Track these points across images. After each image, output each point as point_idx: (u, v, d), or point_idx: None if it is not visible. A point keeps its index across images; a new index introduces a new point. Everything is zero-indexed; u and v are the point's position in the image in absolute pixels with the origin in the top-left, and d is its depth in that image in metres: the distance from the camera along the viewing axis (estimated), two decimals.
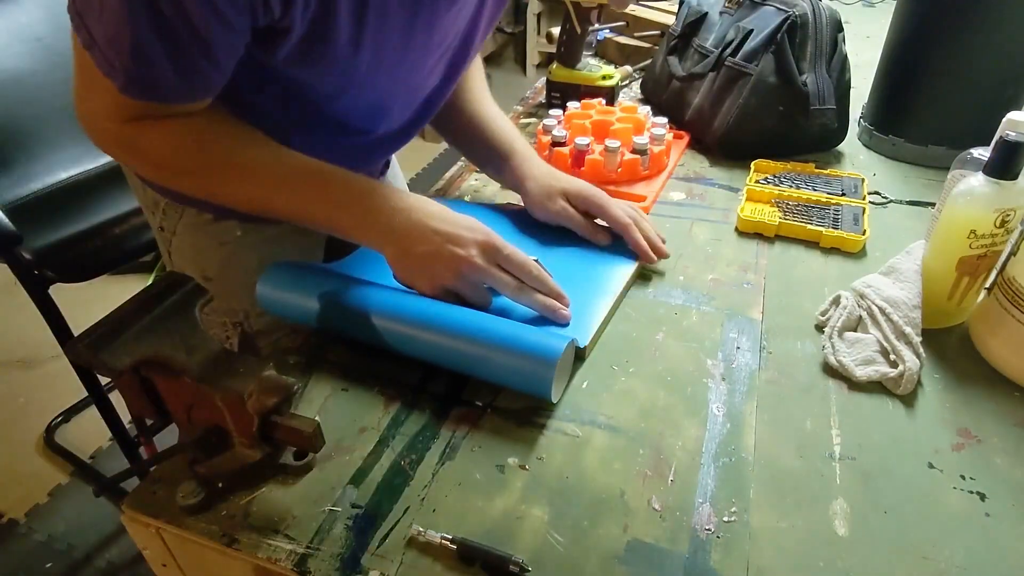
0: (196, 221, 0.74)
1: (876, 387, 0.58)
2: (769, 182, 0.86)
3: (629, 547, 0.45)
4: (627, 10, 1.37)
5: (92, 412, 1.43)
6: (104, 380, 1.33)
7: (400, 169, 1.00)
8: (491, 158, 0.79)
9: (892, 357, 0.57)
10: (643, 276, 0.72)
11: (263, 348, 0.73)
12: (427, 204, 0.61)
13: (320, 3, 0.52)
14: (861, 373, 0.58)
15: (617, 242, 0.73)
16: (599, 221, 0.74)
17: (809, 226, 0.77)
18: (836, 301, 0.64)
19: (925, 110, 0.93)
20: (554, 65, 1.11)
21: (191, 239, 0.76)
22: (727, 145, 0.94)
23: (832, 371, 0.59)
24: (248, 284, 0.68)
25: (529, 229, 0.76)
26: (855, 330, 0.62)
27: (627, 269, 0.70)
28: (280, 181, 0.60)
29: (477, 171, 0.93)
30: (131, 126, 0.58)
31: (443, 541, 0.44)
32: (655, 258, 0.71)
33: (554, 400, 0.55)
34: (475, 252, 0.58)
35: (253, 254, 0.75)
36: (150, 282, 1.92)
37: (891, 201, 0.86)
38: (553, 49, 1.11)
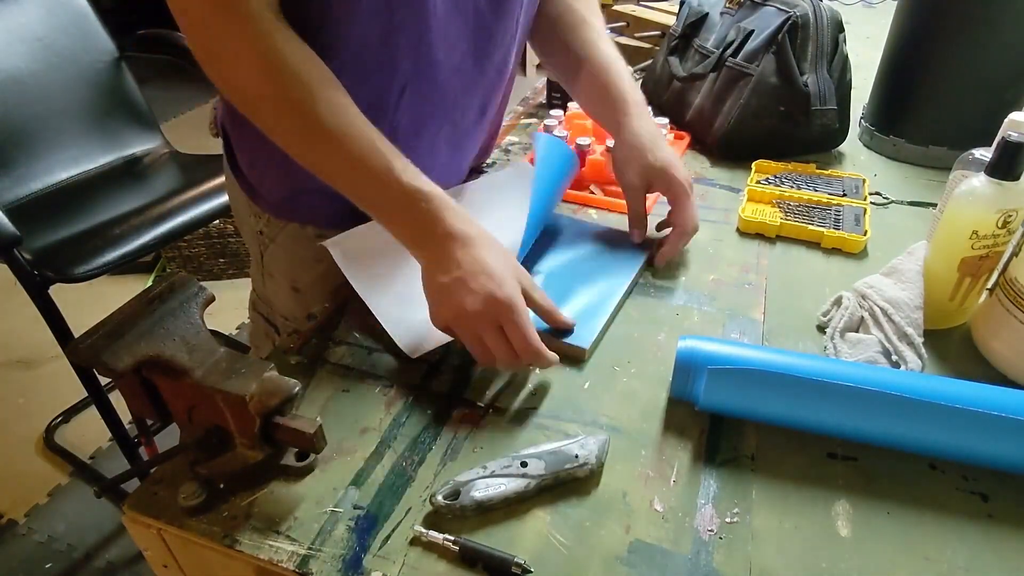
0: (298, 234, 0.75)
1: None
2: (770, 182, 0.86)
3: (631, 548, 0.45)
4: (627, 10, 1.37)
5: (92, 412, 1.42)
6: (104, 380, 1.33)
7: None
8: (603, 112, 0.77)
9: (894, 358, 0.57)
10: (641, 276, 0.72)
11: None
12: (475, 239, 0.56)
13: None
14: None
15: (621, 243, 0.74)
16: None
17: (810, 227, 0.77)
18: (838, 302, 0.64)
19: (926, 111, 0.93)
20: None
21: (290, 249, 0.77)
22: (728, 145, 0.94)
23: None
24: (336, 302, 0.68)
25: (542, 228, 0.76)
26: (857, 331, 0.62)
27: (630, 272, 0.70)
28: (350, 163, 0.57)
29: (486, 165, 0.93)
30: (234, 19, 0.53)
31: (445, 542, 0.44)
32: (658, 261, 0.72)
33: None
34: (478, 302, 0.54)
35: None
36: (150, 282, 1.92)
37: (892, 202, 0.86)
38: None
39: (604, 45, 0.78)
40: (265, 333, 0.87)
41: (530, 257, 0.72)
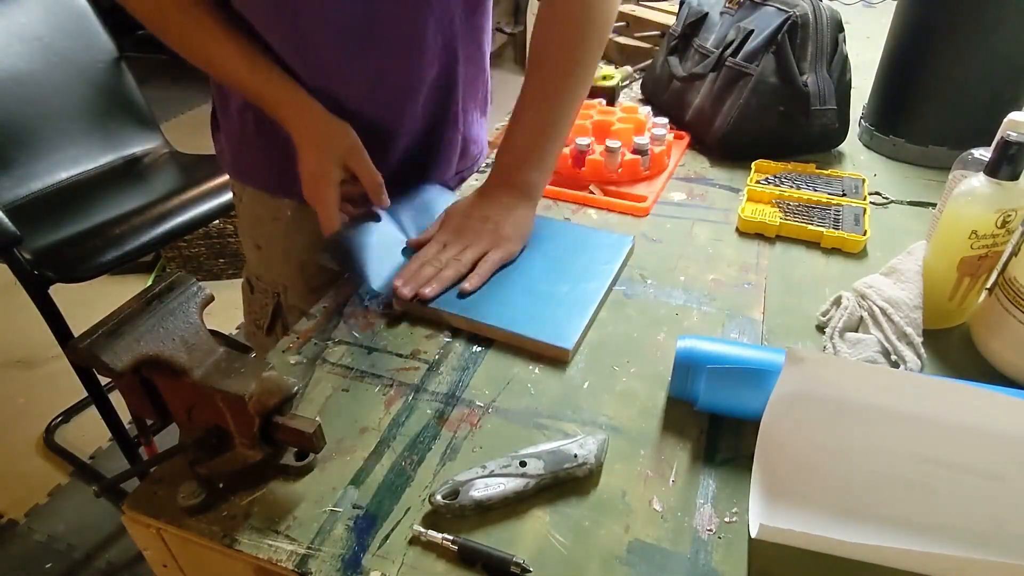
0: (256, 194, 0.81)
1: None
2: (770, 182, 0.86)
3: (630, 548, 0.45)
4: (627, 10, 1.37)
5: (92, 412, 1.43)
6: (104, 380, 1.33)
7: None
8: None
9: (893, 357, 0.57)
10: (640, 276, 0.72)
11: (292, 322, 0.75)
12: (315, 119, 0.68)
13: None
14: None
15: (601, 242, 0.74)
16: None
17: (810, 226, 0.77)
18: (837, 302, 0.64)
19: (926, 110, 0.93)
20: None
21: (251, 208, 0.83)
22: (728, 145, 0.94)
23: None
24: (292, 260, 0.75)
25: None
26: (856, 331, 0.62)
27: (611, 270, 0.70)
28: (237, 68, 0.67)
29: (479, 171, 0.93)
30: None
31: (444, 542, 0.44)
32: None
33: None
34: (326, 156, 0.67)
35: (302, 234, 0.79)
36: (150, 282, 1.93)
37: (892, 201, 0.86)
38: None
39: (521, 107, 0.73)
40: (244, 290, 0.91)
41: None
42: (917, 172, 0.93)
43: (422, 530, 0.45)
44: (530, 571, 0.43)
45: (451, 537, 0.44)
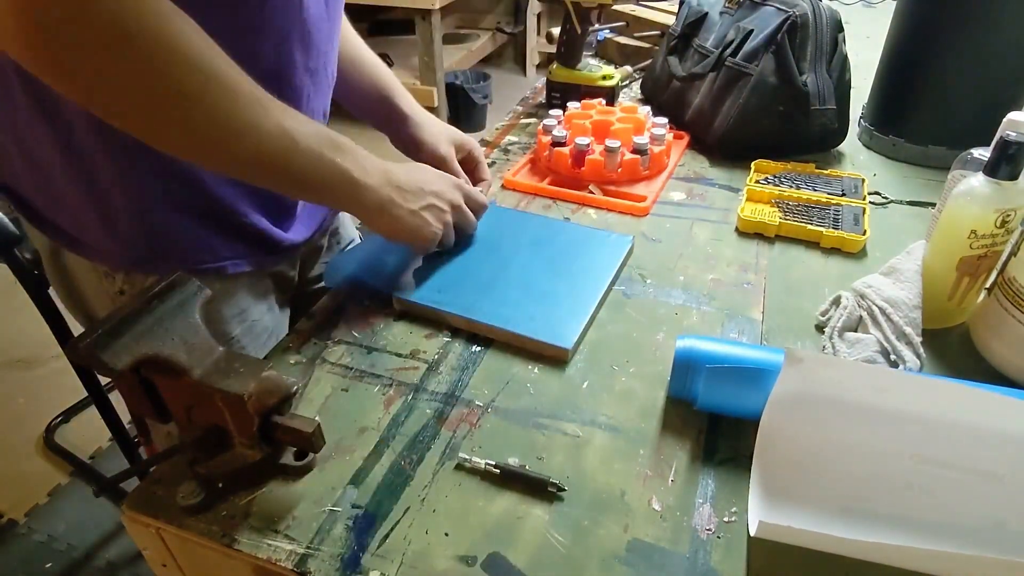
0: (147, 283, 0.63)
1: None
2: (769, 182, 0.86)
3: (629, 547, 0.45)
4: (627, 10, 1.37)
5: (92, 412, 1.42)
6: (104, 380, 1.33)
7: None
8: (371, 103, 0.81)
9: (892, 357, 0.57)
10: (640, 276, 0.72)
11: None
12: (391, 174, 0.63)
13: None
14: None
15: (600, 242, 0.74)
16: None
17: (809, 226, 0.77)
18: (836, 301, 0.64)
19: (925, 110, 0.93)
20: (554, 65, 1.11)
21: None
22: (727, 145, 0.94)
23: None
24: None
25: (505, 231, 0.76)
26: (855, 330, 0.62)
27: (610, 270, 0.70)
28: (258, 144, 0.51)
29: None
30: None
31: (487, 466, 0.50)
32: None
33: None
34: (443, 202, 0.67)
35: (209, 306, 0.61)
36: None
37: (891, 201, 0.86)
38: (553, 49, 1.11)
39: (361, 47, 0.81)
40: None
41: (507, 255, 0.72)
42: (916, 172, 0.93)
43: (466, 456, 0.50)
44: (565, 490, 0.49)
45: (492, 462, 0.50)
